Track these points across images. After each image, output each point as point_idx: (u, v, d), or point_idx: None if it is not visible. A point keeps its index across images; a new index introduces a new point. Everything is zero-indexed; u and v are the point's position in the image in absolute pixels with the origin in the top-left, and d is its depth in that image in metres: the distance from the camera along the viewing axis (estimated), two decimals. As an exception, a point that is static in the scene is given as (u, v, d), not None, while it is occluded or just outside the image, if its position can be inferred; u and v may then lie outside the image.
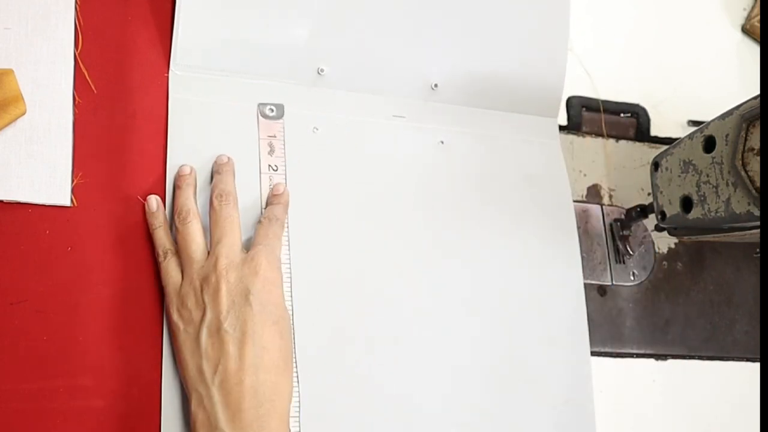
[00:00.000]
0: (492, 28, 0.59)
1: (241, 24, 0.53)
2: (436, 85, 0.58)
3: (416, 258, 0.55)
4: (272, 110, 0.55)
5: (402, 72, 0.57)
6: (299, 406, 0.48)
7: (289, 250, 0.51)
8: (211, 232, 0.48)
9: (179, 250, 0.47)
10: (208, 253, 0.47)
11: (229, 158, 0.51)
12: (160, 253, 0.48)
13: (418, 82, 0.58)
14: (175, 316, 0.46)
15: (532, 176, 0.59)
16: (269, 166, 0.53)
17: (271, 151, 0.54)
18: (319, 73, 0.55)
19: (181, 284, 0.46)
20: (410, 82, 0.58)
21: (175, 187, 0.50)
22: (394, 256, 0.54)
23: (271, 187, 0.52)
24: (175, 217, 0.48)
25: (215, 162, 0.51)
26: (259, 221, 0.50)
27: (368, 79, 0.57)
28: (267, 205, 0.51)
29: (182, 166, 0.50)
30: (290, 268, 0.51)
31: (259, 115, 0.54)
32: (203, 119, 0.52)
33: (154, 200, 0.49)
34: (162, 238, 0.48)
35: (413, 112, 0.58)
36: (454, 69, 0.58)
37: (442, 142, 0.58)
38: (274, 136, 0.54)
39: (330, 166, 0.54)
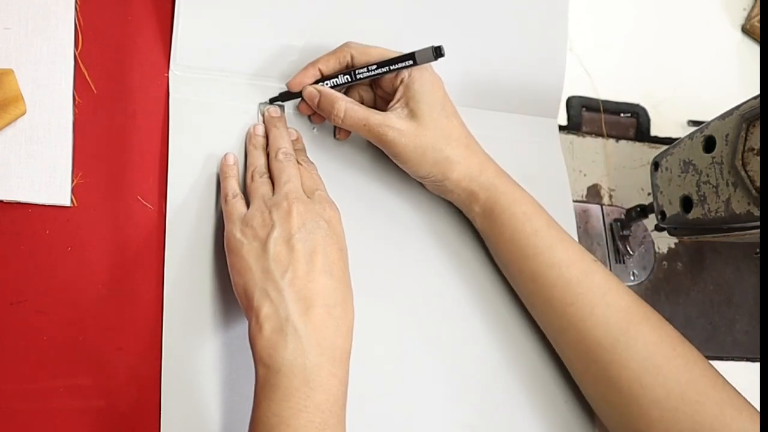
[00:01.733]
0: (491, 29, 0.59)
1: (241, 24, 0.53)
2: None
3: (416, 257, 0.55)
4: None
5: None
6: None
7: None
8: (276, 179, 0.48)
9: (250, 197, 0.48)
10: None
11: (279, 114, 0.53)
12: (230, 194, 0.49)
13: None
14: (238, 235, 0.45)
15: (532, 177, 0.59)
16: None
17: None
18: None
19: (246, 212, 0.47)
20: None
21: (249, 146, 0.52)
22: (394, 255, 0.54)
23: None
24: (252, 171, 0.49)
25: (267, 116, 0.53)
26: (300, 165, 0.50)
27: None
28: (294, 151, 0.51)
29: (256, 126, 0.52)
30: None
31: (260, 115, 0.54)
32: (203, 119, 0.52)
33: (231, 156, 0.51)
34: (233, 184, 0.49)
35: None
36: (454, 70, 0.58)
37: None
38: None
39: (329, 166, 0.54)
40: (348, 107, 0.50)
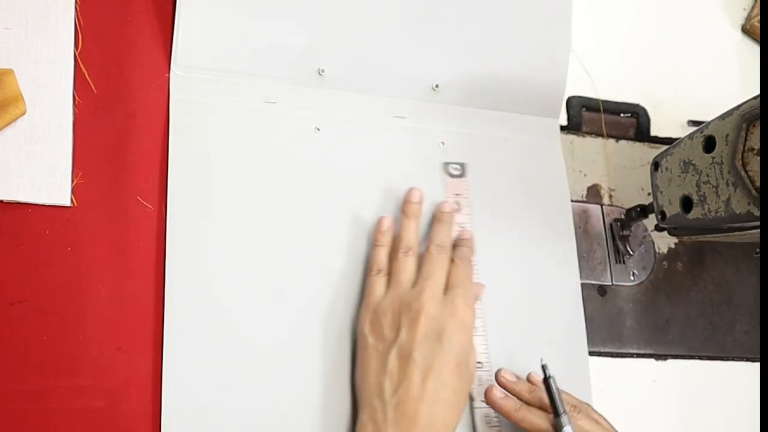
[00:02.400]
0: (493, 28, 0.59)
1: (242, 24, 0.53)
2: (437, 86, 0.58)
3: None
4: (457, 169, 0.57)
5: (403, 73, 0.57)
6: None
7: (288, 247, 0.52)
8: (421, 267, 0.50)
9: (391, 273, 0.50)
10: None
11: (452, 210, 0.55)
12: (374, 269, 0.51)
13: (419, 82, 0.58)
14: (366, 329, 0.48)
15: (531, 177, 0.59)
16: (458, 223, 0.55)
17: (459, 209, 0.56)
18: (319, 73, 0.55)
19: (381, 301, 0.49)
20: (411, 82, 0.58)
21: (402, 215, 0.53)
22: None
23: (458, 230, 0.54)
24: (400, 246, 0.51)
25: (438, 209, 0.54)
26: (453, 261, 0.51)
27: (369, 79, 0.57)
28: (455, 246, 0.53)
29: (413, 190, 0.54)
30: (291, 265, 0.51)
31: (445, 173, 0.56)
32: (204, 119, 0.52)
33: (386, 221, 0.53)
34: (381, 256, 0.52)
35: (414, 113, 0.58)
36: (456, 69, 0.58)
37: (443, 143, 0.58)
38: (460, 195, 0.57)
39: (331, 165, 0.54)
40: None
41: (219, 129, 0.53)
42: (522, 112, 0.61)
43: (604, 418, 0.50)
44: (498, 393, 0.50)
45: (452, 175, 0.57)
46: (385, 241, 0.52)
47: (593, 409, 0.51)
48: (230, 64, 0.53)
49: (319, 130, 0.55)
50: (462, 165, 0.57)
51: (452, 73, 0.58)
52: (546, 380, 0.49)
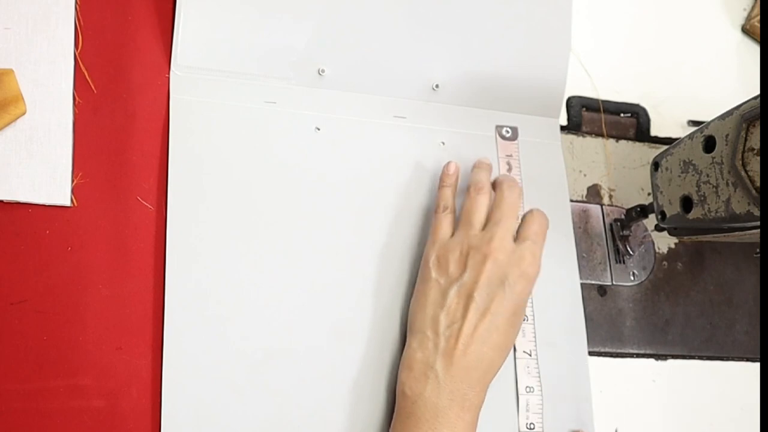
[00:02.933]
0: (493, 28, 0.59)
1: (242, 25, 0.53)
2: (437, 86, 0.58)
3: (416, 256, 0.55)
4: (508, 131, 0.59)
5: (403, 73, 0.57)
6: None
7: (288, 247, 0.52)
8: (492, 210, 0.51)
9: (463, 214, 0.51)
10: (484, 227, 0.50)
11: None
12: (441, 206, 0.52)
13: (419, 82, 0.58)
14: (432, 262, 0.50)
15: (531, 177, 0.59)
16: None
17: (510, 169, 0.58)
18: (319, 73, 0.55)
19: (450, 239, 0.50)
20: (411, 82, 0.58)
21: (475, 167, 0.55)
22: (394, 253, 0.54)
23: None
24: (471, 187, 0.53)
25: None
26: (524, 217, 0.52)
27: (369, 79, 0.57)
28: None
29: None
30: (291, 264, 0.51)
31: (497, 135, 0.57)
32: (204, 119, 0.52)
33: (453, 165, 0.54)
34: (448, 195, 0.53)
35: (415, 113, 0.58)
36: (456, 69, 0.58)
37: (443, 143, 0.58)
38: (511, 156, 0.59)
39: (331, 165, 0.54)
40: None
41: (219, 129, 0.53)
42: (522, 112, 0.61)
43: None
44: None
45: (504, 137, 0.59)
46: (451, 182, 0.54)
47: None
48: (230, 64, 0.53)
49: (319, 129, 0.55)
50: (513, 128, 0.59)
51: (452, 73, 0.58)
52: None
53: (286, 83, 0.55)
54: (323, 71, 0.56)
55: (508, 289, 0.48)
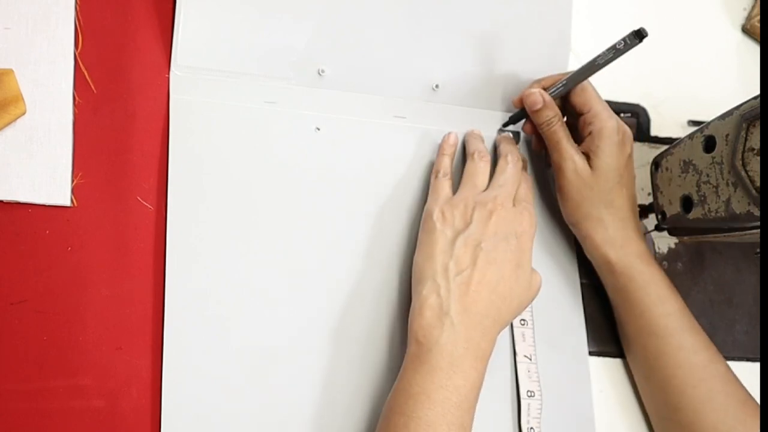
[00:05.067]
0: (493, 29, 0.59)
1: (241, 25, 0.53)
2: (437, 86, 0.58)
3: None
4: (510, 136, 0.59)
5: (403, 73, 0.57)
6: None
7: (288, 247, 0.52)
8: (496, 174, 0.53)
9: (466, 175, 0.53)
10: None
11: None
12: (441, 171, 0.54)
13: (419, 82, 0.58)
14: (435, 215, 0.51)
15: (533, 177, 0.59)
16: None
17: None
18: (319, 73, 0.55)
19: (454, 196, 0.52)
20: (411, 82, 0.58)
21: (470, 136, 0.57)
22: (395, 253, 0.54)
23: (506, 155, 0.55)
24: (474, 152, 0.55)
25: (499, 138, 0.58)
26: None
27: (369, 80, 0.57)
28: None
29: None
30: (291, 264, 0.51)
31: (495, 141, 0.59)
32: (204, 119, 0.52)
33: (453, 136, 0.57)
34: (447, 163, 0.55)
35: (415, 113, 0.58)
36: (456, 70, 0.58)
37: None
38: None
39: (332, 165, 0.54)
40: (559, 122, 0.54)
41: (219, 129, 0.53)
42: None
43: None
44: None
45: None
46: (450, 151, 0.56)
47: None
48: (230, 64, 0.53)
49: (319, 129, 0.55)
50: (515, 134, 0.59)
51: (452, 73, 0.58)
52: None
53: (286, 83, 0.55)
54: (323, 71, 0.56)
55: (513, 242, 0.49)
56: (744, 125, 0.46)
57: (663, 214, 0.54)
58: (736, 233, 0.49)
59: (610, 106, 0.62)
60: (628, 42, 0.51)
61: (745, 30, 0.73)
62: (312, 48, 0.55)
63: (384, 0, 0.56)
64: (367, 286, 0.53)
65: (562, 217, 0.57)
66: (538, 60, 0.60)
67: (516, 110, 0.58)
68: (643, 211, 0.58)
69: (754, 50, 0.72)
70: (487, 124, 0.59)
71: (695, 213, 0.50)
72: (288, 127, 0.54)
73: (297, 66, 0.55)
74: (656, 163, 0.55)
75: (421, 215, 0.55)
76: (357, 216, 0.54)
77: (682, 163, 0.51)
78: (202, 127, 0.52)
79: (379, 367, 0.51)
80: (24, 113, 0.47)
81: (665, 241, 0.64)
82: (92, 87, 0.50)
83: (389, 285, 0.53)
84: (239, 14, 0.53)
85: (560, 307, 0.57)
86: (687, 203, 0.51)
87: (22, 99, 0.47)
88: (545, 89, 0.55)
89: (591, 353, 0.58)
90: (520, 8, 0.59)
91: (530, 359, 0.54)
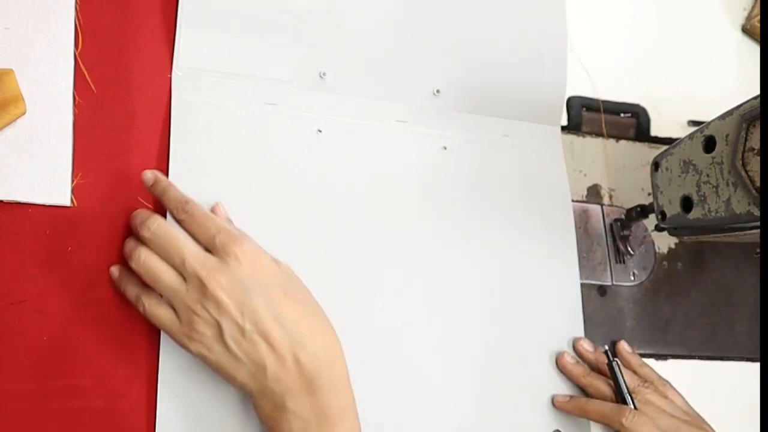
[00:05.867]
0: (493, 36, 0.59)
1: (243, 26, 0.53)
2: (438, 91, 0.58)
3: (416, 260, 0.55)
4: None
5: (404, 77, 0.57)
6: None
7: (288, 248, 0.52)
8: (167, 259, 0.44)
9: (152, 286, 0.45)
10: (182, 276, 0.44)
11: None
12: (134, 300, 0.45)
13: (420, 87, 0.58)
14: (193, 347, 0.44)
15: (533, 183, 0.59)
16: None
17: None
18: (321, 76, 0.55)
19: (178, 317, 0.44)
20: (412, 87, 0.58)
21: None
22: (395, 257, 0.54)
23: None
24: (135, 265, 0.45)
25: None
26: (181, 219, 0.46)
27: (370, 84, 0.57)
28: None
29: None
30: (291, 265, 0.51)
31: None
32: (205, 120, 0.52)
33: (116, 270, 0.47)
34: (132, 288, 0.46)
35: (416, 117, 0.58)
36: (456, 76, 0.58)
37: (445, 148, 0.58)
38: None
39: (333, 167, 0.54)
40: None
41: (220, 130, 0.53)
42: (523, 119, 0.61)
43: (680, 396, 0.54)
44: (569, 359, 0.55)
45: None
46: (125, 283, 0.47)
47: (670, 386, 0.55)
48: (232, 65, 0.53)
49: (320, 131, 0.55)
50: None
51: (453, 79, 0.58)
52: (609, 364, 0.53)
53: (288, 85, 0.55)
54: (324, 74, 0.56)
55: (256, 290, 0.44)
56: (744, 125, 0.46)
57: (663, 214, 0.54)
58: (736, 233, 0.49)
59: (610, 106, 0.62)
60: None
61: (745, 30, 0.73)
62: (313, 51, 0.55)
63: (386, 5, 0.56)
64: (366, 286, 0.53)
65: (561, 219, 0.57)
66: (537, 68, 0.60)
67: None
68: (643, 211, 0.58)
69: (754, 50, 0.72)
70: (488, 130, 0.59)
71: (695, 213, 0.50)
72: (289, 129, 0.54)
73: (298, 68, 0.55)
74: (656, 163, 0.55)
75: (420, 218, 0.55)
76: (357, 217, 0.54)
77: (682, 163, 0.51)
78: (203, 128, 0.52)
79: (377, 372, 0.51)
80: (24, 113, 0.47)
81: (665, 241, 0.64)
82: (92, 87, 0.50)
83: (387, 285, 0.53)
84: (242, 16, 0.53)
85: (560, 307, 0.57)
86: (687, 203, 0.51)
87: (22, 99, 0.47)
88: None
89: (591, 353, 0.58)
90: (517, 17, 0.59)
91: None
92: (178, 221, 0.46)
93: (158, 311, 0.44)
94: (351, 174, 0.55)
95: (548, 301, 0.56)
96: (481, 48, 0.58)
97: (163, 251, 0.44)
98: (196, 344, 0.44)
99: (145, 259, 0.44)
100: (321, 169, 0.54)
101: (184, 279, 0.43)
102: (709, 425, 0.53)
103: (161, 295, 0.44)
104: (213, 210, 0.50)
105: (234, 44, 0.53)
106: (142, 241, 0.45)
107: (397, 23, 0.57)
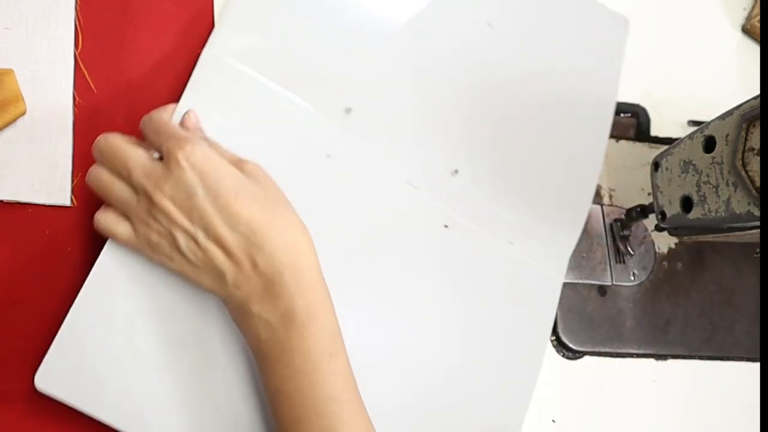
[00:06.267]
0: (530, 143, 0.58)
1: (285, 34, 0.52)
2: (456, 171, 0.56)
3: (410, 264, 0.54)
4: None
5: (426, 145, 0.55)
6: None
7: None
8: (116, 172, 0.44)
9: (107, 201, 0.44)
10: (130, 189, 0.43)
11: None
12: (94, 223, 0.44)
13: (440, 162, 0.56)
14: (155, 258, 0.43)
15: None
16: None
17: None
18: (346, 112, 0.54)
19: (135, 232, 0.43)
20: (432, 159, 0.56)
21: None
22: (394, 259, 0.54)
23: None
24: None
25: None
26: (141, 130, 0.45)
27: (391, 139, 0.55)
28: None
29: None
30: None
31: None
32: (212, 117, 0.51)
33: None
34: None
35: (427, 189, 0.55)
36: (478, 163, 0.57)
37: (446, 227, 0.55)
38: None
39: (337, 194, 0.53)
40: None
41: (223, 131, 0.52)
42: (539, 219, 0.58)
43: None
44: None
45: None
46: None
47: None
48: (264, 69, 0.52)
49: (329, 157, 0.53)
50: None
51: (474, 165, 0.56)
52: None
53: (309, 105, 0.53)
54: (350, 110, 0.54)
55: (204, 195, 0.42)
56: (744, 125, 0.46)
57: (663, 214, 0.54)
58: (736, 233, 0.49)
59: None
60: None
61: (745, 30, 0.73)
62: (347, 84, 0.54)
63: (426, 81, 0.56)
64: (364, 292, 0.53)
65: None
66: (565, 182, 0.59)
67: None
68: (643, 211, 0.58)
69: (754, 50, 0.72)
70: (497, 226, 0.57)
71: (695, 213, 0.50)
72: (298, 148, 0.52)
73: (324, 93, 0.53)
74: (656, 163, 0.55)
75: (420, 266, 0.53)
76: (356, 219, 0.54)
77: (682, 163, 0.51)
78: (210, 119, 0.50)
79: (377, 374, 0.51)
80: (24, 113, 0.47)
81: (665, 241, 0.64)
82: (92, 87, 0.50)
83: (385, 289, 0.53)
84: (291, 26, 0.52)
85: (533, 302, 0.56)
86: (687, 203, 0.51)
87: (22, 99, 0.47)
88: None
89: (591, 353, 0.58)
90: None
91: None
92: (141, 131, 0.45)
93: (115, 227, 0.44)
94: (353, 203, 0.53)
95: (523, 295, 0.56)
96: (510, 145, 0.57)
97: (111, 165, 0.43)
98: (158, 256, 0.43)
99: (95, 175, 0.44)
100: (329, 193, 0.53)
101: (136, 191, 0.42)
102: None
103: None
104: (183, 119, 0.47)
105: (272, 49, 0.52)
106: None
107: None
